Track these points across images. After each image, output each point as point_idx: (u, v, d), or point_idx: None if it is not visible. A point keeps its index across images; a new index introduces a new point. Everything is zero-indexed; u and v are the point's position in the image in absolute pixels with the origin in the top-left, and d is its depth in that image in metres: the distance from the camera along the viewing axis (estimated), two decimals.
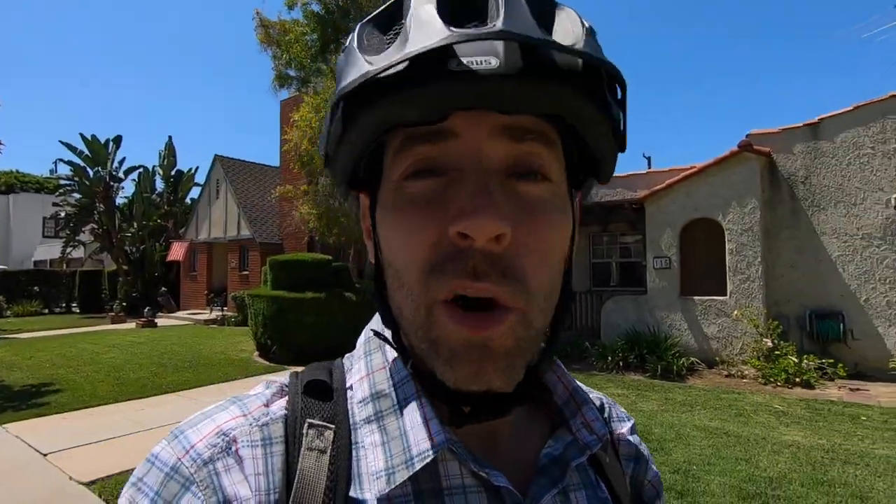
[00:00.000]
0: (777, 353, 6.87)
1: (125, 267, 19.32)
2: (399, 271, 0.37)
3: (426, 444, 0.36)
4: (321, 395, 0.41)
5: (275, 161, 17.92)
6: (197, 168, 22.22)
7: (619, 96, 0.36)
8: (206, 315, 16.44)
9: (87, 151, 19.34)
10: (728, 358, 7.41)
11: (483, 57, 0.30)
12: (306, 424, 0.38)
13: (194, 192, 21.24)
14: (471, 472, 0.38)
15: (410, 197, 0.36)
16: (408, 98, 0.31)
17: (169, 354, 9.74)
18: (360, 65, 0.33)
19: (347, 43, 0.37)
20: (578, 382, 0.47)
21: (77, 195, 19.56)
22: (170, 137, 22.32)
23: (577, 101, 0.33)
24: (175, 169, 21.67)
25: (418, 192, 0.35)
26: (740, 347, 7.41)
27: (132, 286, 19.21)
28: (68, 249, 20.32)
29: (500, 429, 0.41)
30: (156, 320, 15.25)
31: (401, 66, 0.30)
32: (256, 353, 9.66)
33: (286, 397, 0.41)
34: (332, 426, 0.39)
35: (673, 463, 3.94)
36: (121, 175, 20.14)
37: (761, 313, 7.26)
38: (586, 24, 0.35)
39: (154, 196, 21.36)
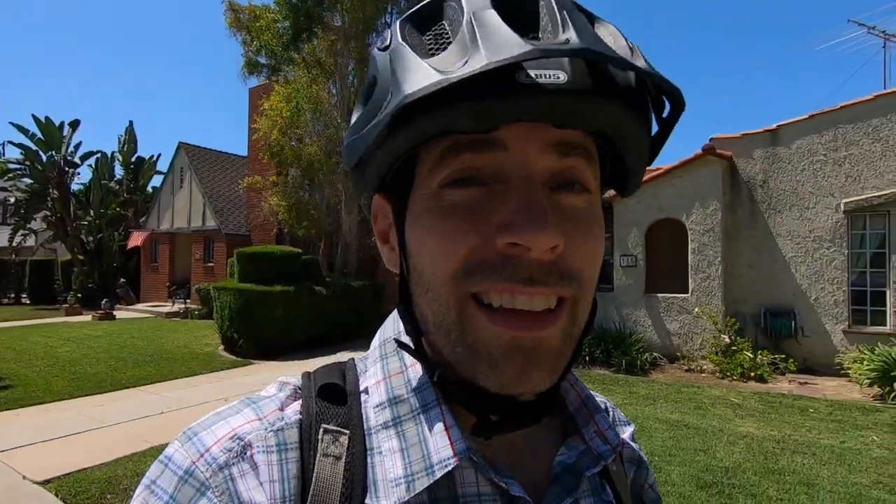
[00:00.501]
0: (734, 348, 7.19)
1: (81, 257, 18.46)
2: (426, 276, 0.36)
3: (447, 452, 0.36)
4: (335, 399, 0.40)
5: (242, 150, 17.45)
6: (159, 155, 21.46)
7: (668, 112, 0.35)
8: (168, 308, 15.90)
9: (39, 134, 18.34)
10: (688, 353, 7.71)
11: (551, 71, 0.30)
12: (322, 430, 0.38)
13: (156, 181, 20.48)
14: (487, 480, 0.38)
15: (449, 204, 0.35)
16: (467, 108, 0.30)
17: (129, 348, 9.39)
18: (423, 68, 0.31)
19: (389, 40, 0.35)
20: (590, 390, 0.47)
21: (28, 180, 18.54)
22: (130, 123, 21.49)
23: (628, 119, 0.34)
24: (136, 156, 20.81)
25: (458, 200, 0.35)
26: (700, 343, 7.72)
27: (88, 277, 18.38)
28: (18, 237, 19.26)
29: (514, 436, 0.40)
30: (114, 313, 14.66)
31: (474, 75, 0.28)
32: (222, 346, 9.43)
33: (300, 400, 0.40)
34: (347, 431, 0.38)
35: None
36: (76, 160, 19.20)
37: (720, 311, 7.58)
38: (629, 42, 0.34)
39: (113, 183, 20.46)
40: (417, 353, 0.39)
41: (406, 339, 0.41)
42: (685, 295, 7.93)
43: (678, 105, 0.34)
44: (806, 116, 7.61)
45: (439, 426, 0.37)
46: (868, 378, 6.10)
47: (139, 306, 17.12)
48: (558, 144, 0.34)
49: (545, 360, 0.35)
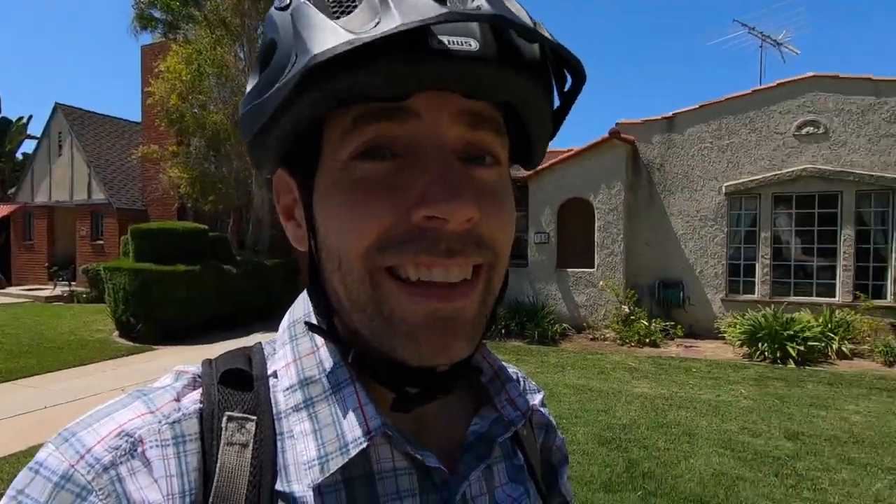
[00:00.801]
0: (632, 318, 7.90)
1: None
2: (337, 251, 0.35)
3: (362, 430, 0.36)
4: (240, 385, 0.38)
5: (135, 115, 15.72)
6: (30, 117, 18.82)
7: (570, 85, 0.36)
8: (48, 291, 14.15)
9: None
10: (594, 323, 8.35)
11: (462, 38, 0.30)
12: (225, 418, 0.36)
13: (28, 146, 17.89)
14: (403, 454, 0.38)
15: (360, 178, 0.34)
16: (379, 71, 0.29)
17: None
18: (331, 27, 0.30)
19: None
20: (502, 362, 0.48)
21: None
22: None
23: (535, 90, 0.34)
24: None
25: (369, 173, 0.34)
26: (604, 314, 8.37)
27: None
28: None
29: (428, 409, 0.39)
30: None
31: (386, 37, 0.28)
32: (116, 332, 8.62)
33: (200, 389, 0.38)
34: (254, 417, 0.37)
35: None
36: None
37: (622, 284, 8.26)
38: (532, 16, 0.34)
39: None
40: (329, 334, 0.38)
41: (315, 320, 0.40)
42: (592, 270, 8.52)
43: (580, 77, 0.35)
44: (697, 106, 8.37)
45: (353, 404, 0.37)
46: (739, 340, 7.02)
47: (11, 290, 15.05)
48: (469, 115, 0.34)
49: (464, 330, 0.35)
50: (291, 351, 0.41)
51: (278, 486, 0.35)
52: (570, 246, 8.78)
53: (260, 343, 0.44)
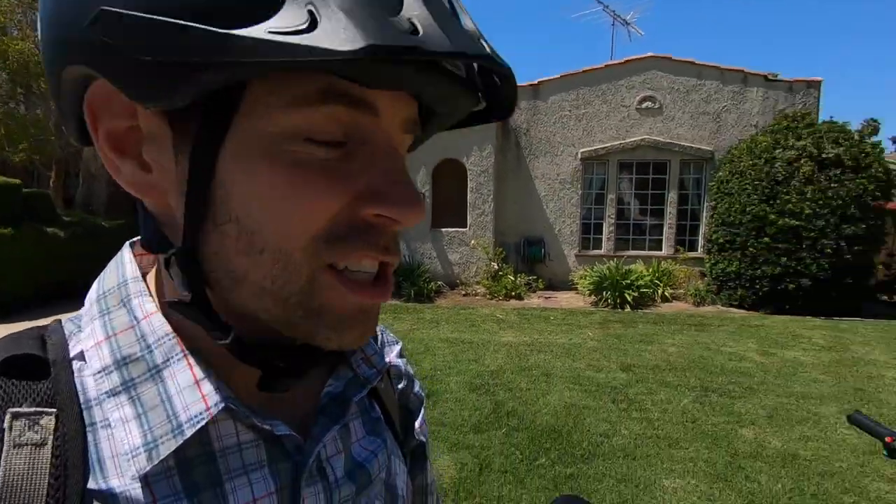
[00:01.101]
0: (501, 273, 8.49)
1: None
2: (265, 236, 0.31)
3: (199, 407, 0.32)
4: (30, 374, 0.33)
5: None
6: None
7: (494, 116, 0.38)
8: None
9: None
10: (466, 280, 8.80)
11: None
12: (8, 416, 0.30)
13: None
14: (248, 426, 0.35)
15: (307, 158, 0.30)
16: (386, 70, 0.29)
17: None
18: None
19: None
20: None
21: None
22: None
23: (472, 104, 0.35)
24: None
25: (317, 156, 0.31)
26: (475, 271, 8.87)
27: None
28: None
29: None
30: None
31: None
32: None
33: None
34: (53, 410, 0.32)
35: (422, 372, 4.59)
36: None
37: (491, 242, 8.78)
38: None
39: None
40: (203, 313, 0.33)
41: (173, 294, 0.35)
42: (464, 229, 8.90)
43: (506, 114, 0.36)
44: (558, 76, 8.98)
45: (187, 380, 0.33)
46: (588, 290, 7.98)
47: None
48: (412, 122, 0.35)
49: (377, 319, 0.37)
50: (102, 327, 0.35)
51: (91, 485, 0.31)
52: (444, 206, 9.02)
53: (59, 321, 0.37)
